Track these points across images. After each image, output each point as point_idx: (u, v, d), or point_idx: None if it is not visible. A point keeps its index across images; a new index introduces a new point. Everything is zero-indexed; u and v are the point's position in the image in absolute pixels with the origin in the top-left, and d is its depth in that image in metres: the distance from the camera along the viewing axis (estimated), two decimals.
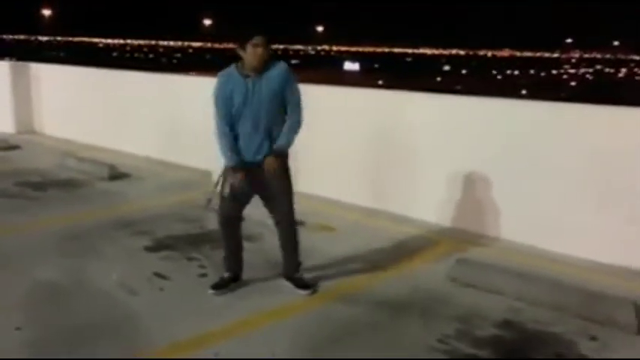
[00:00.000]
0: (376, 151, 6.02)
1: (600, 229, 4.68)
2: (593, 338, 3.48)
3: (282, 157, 3.82)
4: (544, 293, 3.89)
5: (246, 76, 3.71)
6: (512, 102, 5.67)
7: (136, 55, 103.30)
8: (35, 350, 3.25)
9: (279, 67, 3.75)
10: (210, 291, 3.97)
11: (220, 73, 3.83)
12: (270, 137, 3.77)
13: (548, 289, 3.91)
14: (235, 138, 3.78)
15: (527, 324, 3.64)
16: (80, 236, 5.09)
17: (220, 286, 4.00)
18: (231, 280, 4.05)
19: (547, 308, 3.80)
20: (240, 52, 3.70)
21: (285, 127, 3.78)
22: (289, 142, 3.81)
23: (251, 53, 3.67)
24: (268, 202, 3.95)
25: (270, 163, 3.76)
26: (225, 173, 3.86)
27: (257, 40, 3.66)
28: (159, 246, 4.88)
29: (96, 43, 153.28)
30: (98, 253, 4.70)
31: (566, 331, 3.55)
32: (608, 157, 4.63)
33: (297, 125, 3.80)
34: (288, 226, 4.00)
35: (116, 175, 7.27)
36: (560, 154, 4.85)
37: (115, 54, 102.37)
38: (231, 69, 3.78)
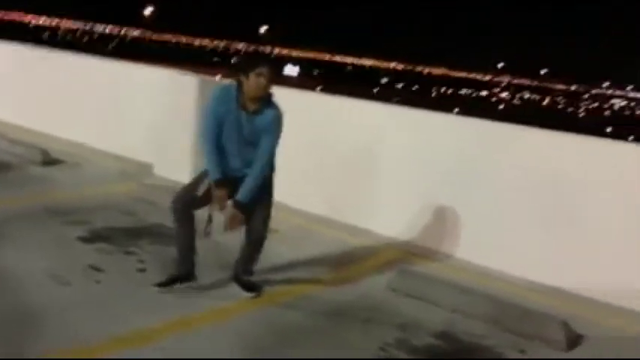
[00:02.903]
0: (325, 158, 6.01)
1: (541, 250, 4.82)
2: (522, 351, 3.64)
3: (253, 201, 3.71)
4: (479, 307, 4.03)
5: (243, 108, 3.57)
6: (462, 119, 5.83)
7: (68, 38, 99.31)
8: None
9: (273, 116, 3.62)
10: (155, 287, 3.83)
11: (220, 89, 3.66)
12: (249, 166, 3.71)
13: (483, 304, 4.06)
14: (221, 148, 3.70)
15: (462, 335, 3.76)
16: (8, 223, 4.81)
17: (167, 284, 3.84)
18: (181, 279, 3.87)
19: (481, 321, 3.93)
20: (242, 79, 3.53)
21: (250, 179, 3.65)
22: (252, 195, 3.67)
23: (253, 83, 3.50)
24: None
25: (235, 222, 3.65)
26: (204, 176, 3.79)
27: (261, 69, 3.49)
28: (94, 237, 4.71)
29: (27, 22, 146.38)
30: (28, 242, 4.48)
31: (497, 344, 3.69)
32: (553, 182, 4.79)
33: (262, 176, 3.71)
34: (257, 238, 3.87)
35: (50, 160, 6.95)
36: (509, 175, 4.97)
37: (46, 35, 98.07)
38: (232, 91, 3.59)
